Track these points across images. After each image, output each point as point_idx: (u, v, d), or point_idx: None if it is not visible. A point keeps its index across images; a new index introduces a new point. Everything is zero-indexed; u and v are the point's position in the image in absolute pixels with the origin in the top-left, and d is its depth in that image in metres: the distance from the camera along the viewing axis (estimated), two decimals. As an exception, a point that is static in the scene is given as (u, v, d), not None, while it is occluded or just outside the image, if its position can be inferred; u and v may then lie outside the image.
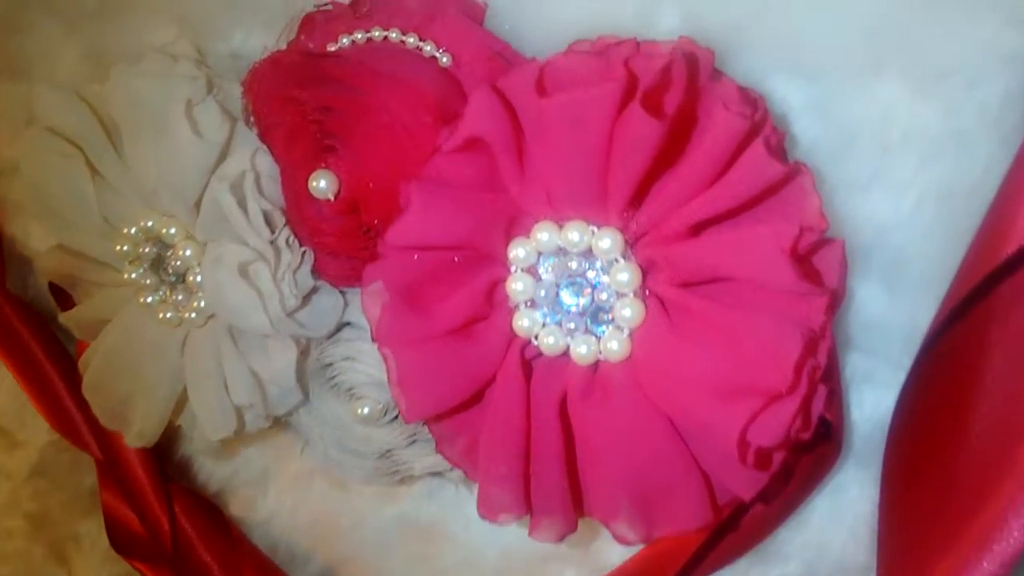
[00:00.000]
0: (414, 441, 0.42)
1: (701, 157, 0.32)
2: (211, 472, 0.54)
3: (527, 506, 0.37)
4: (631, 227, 0.35)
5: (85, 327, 0.49)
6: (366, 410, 0.42)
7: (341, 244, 0.39)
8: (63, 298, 0.52)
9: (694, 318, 0.33)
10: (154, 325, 0.46)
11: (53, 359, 0.55)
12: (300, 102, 0.38)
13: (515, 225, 0.36)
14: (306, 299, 0.40)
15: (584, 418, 0.36)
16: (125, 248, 0.45)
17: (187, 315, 0.44)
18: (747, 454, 0.32)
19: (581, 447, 0.36)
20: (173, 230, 0.43)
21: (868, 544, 0.37)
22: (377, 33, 0.39)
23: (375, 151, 0.37)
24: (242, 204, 0.39)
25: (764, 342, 0.32)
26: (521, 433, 0.36)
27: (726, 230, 0.33)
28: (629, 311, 0.35)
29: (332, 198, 0.38)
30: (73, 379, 0.54)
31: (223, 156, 0.39)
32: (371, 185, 0.38)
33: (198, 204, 0.41)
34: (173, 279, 0.45)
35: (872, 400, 0.36)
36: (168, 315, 0.45)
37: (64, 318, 0.50)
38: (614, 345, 0.35)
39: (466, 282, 0.37)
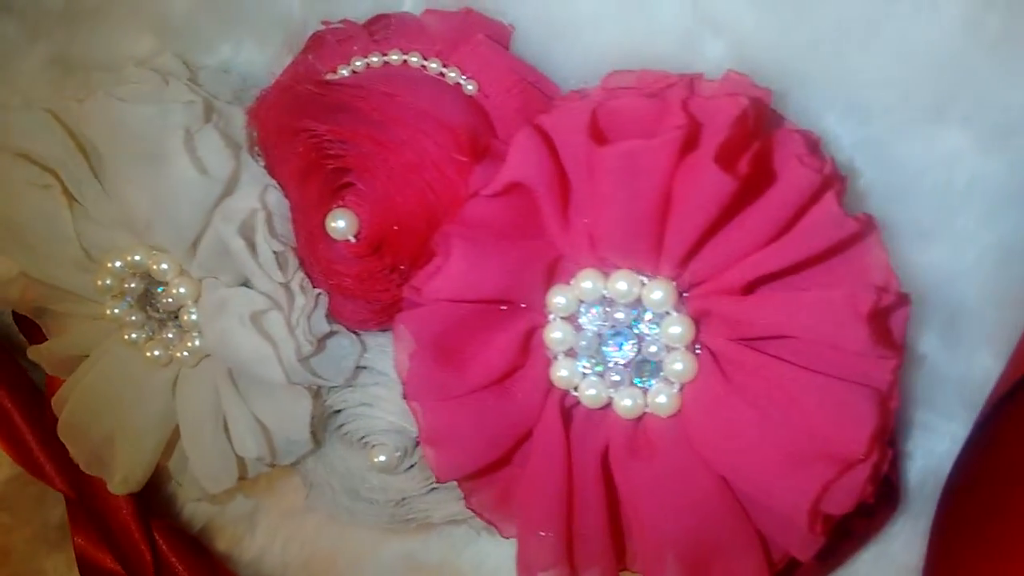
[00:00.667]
0: (433, 489, 0.40)
1: (770, 211, 0.30)
2: (195, 507, 0.51)
3: (570, 563, 0.35)
4: (683, 276, 0.33)
5: (58, 363, 0.45)
6: (382, 458, 0.39)
7: (360, 286, 0.36)
8: (29, 328, 0.48)
9: (751, 375, 0.32)
10: (139, 363, 0.42)
11: (13, 392, 0.51)
12: (315, 134, 0.35)
13: (556, 271, 0.34)
14: (320, 344, 0.37)
15: (628, 473, 0.34)
16: (107, 282, 0.41)
17: (178, 354, 0.41)
18: (816, 523, 0.30)
19: (625, 501, 0.35)
20: (165, 265, 0.39)
21: (911, 596, 0.36)
22: (395, 57, 0.36)
23: (401, 190, 0.34)
24: (251, 245, 0.35)
25: (836, 407, 0.30)
26: (563, 487, 0.34)
27: (789, 286, 0.31)
28: (680, 365, 0.33)
29: (352, 239, 0.35)
30: (37, 412, 0.50)
31: (228, 191, 0.36)
32: (396, 227, 0.35)
33: (196, 242, 0.37)
34: (163, 316, 0.41)
35: (923, 451, 0.35)
36: (156, 353, 0.42)
37: (34, 353, 0.45)
38: (663, 399, 0.34)
39: (502, 331, 0.34)
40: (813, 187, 0.29)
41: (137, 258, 0.40)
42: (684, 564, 0.33)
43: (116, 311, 0.42)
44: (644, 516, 0.34)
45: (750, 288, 0.32)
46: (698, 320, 0.33)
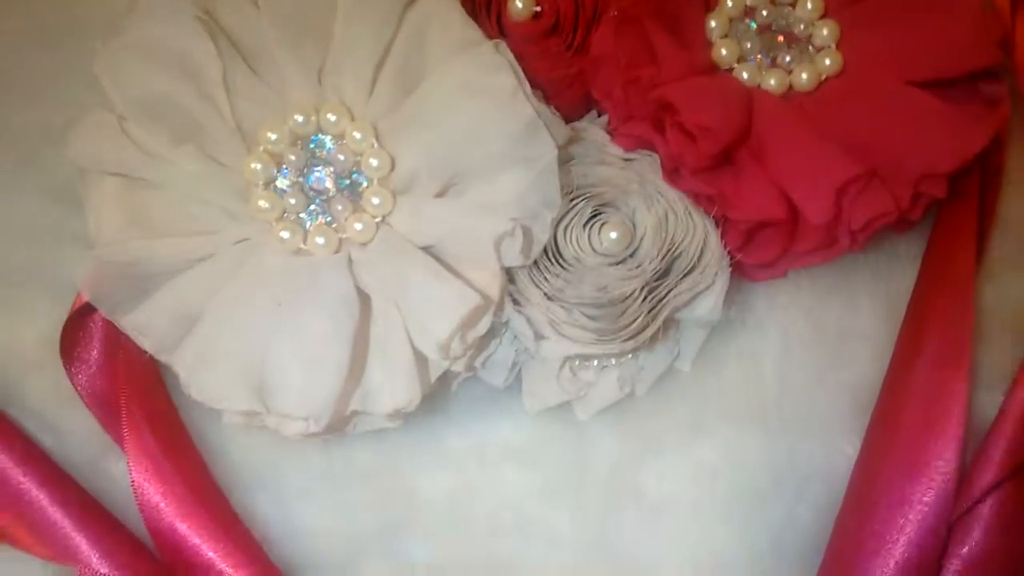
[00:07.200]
0: (669, 270, 0.39)
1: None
2: None
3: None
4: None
5: (168, 324, 0.36)
6: (614, 234, 0.38)
7: (544, 65, 0.39)
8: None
9: (882, 5, 0.41)
10: (293, 272, 0.37)
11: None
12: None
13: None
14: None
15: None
16: (258, 167, 0.37)
17: (355, 225, 0.37)
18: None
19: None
20: (332, 116, 0.37)
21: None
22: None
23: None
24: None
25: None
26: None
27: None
28: (826, 30, 0.41)
29: (537, 9, 0.39)
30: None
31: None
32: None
33: (384, 56, 0.37)
34: (330, 189, 0.37)
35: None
36: (320, 240, 0.37)
37: (131, 324, 0.36)
38: (827, 62, 0.40)
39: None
40: None
41: (299, 118, 0.37)
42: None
43: (265, 204, 0.37)
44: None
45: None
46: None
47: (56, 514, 0.36)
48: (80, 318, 0.38)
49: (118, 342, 0.38)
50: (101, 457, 0.39)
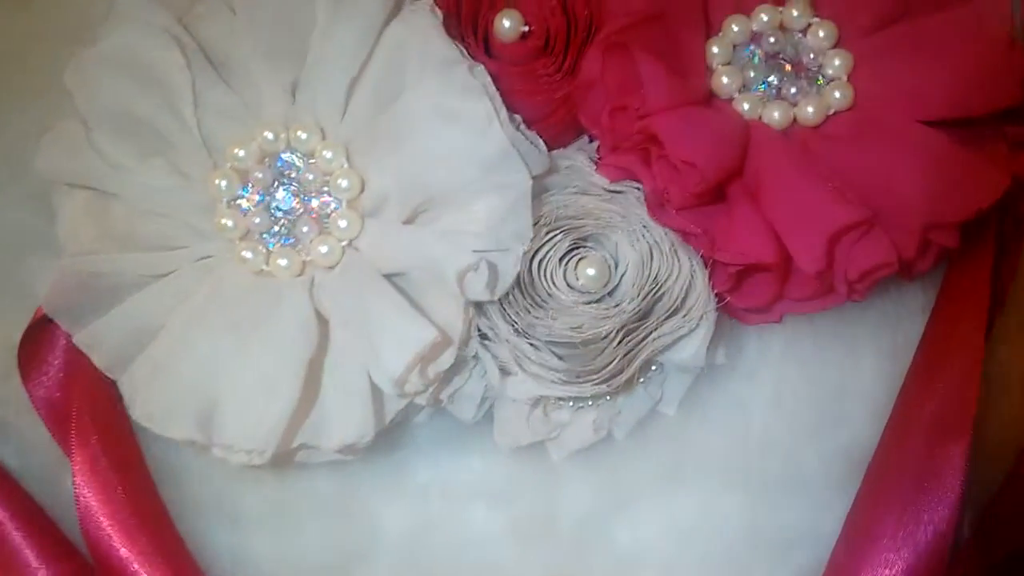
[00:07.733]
0: (650, 311, 0.36)
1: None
2: None
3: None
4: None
5: (117, 343, 0.35)
6: (591, 271, 0.36)
7: (529, 86, 0.37)
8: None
9: (900, 37, 0.38)
10: (256, 290, 0.35)
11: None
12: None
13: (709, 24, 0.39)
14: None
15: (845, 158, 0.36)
16: (223, 184, 0.36)
17: (320, 248, 0.35)
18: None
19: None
20: (304, 135, 0.36)
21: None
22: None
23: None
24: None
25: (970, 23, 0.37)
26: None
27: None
28: (838, 60, 0.38)
29: (526, 29, 0.37)
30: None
31: (393, 14, 0.36)
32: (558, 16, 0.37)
33: (356, 78, 0.35)
34: (297, 209, 0.36)
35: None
36: (283, 263, 0.35)
37: (86, 336, 0.35)
38: (837, 95, 0.38)
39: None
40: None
41: (269, 135, 0.36)
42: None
43: (229, 222, 0.35)
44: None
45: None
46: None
47: (15, 536, 0.35)
48: (42, 328, 0.38)
49: (80, 355, 0.37)
50: (64, 469, 0.38)
